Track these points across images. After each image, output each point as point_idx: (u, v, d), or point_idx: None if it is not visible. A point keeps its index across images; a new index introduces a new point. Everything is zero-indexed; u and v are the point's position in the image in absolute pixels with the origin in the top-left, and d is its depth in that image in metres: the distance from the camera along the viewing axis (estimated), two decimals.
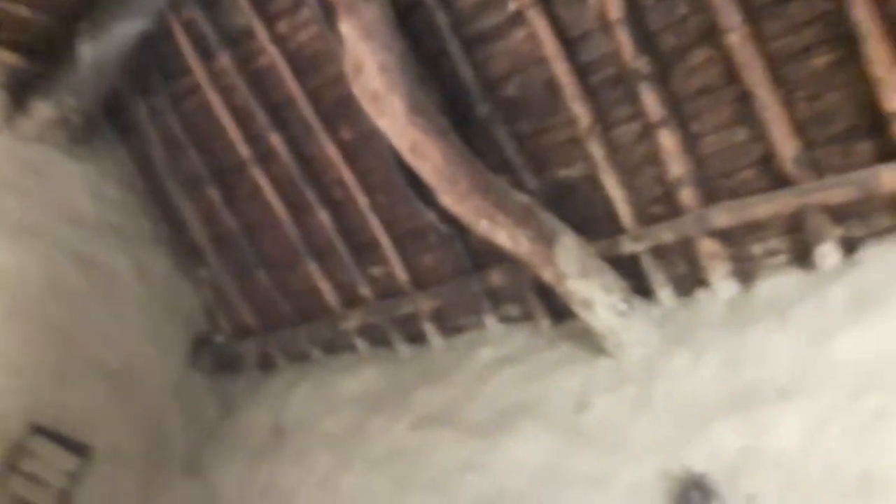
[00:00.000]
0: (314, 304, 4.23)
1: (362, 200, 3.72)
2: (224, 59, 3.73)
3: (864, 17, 2.15)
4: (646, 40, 2.60)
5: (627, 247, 2.94)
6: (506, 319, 3.59)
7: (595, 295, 2.79)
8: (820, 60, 2.35)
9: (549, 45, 2.78)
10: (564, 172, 3.10)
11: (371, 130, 3.28)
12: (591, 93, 2.83)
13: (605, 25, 2.66)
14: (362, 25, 2.41)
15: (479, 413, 3.04)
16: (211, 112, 3.98)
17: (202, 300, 4.73)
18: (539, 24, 2.76)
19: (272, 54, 3.55)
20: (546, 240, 2.80)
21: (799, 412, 2.11)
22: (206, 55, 3.80)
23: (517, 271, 3.27)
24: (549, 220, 2.86)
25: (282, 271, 4.30)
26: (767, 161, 2.58)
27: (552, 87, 2.90)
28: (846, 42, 2.24)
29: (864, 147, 2.39)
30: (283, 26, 3.52)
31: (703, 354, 2.56)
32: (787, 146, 2.48)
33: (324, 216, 3.89)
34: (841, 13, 2.19)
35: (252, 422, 4.05)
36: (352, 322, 4.08)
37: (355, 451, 3.46)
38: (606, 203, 2.98)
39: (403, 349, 3.93)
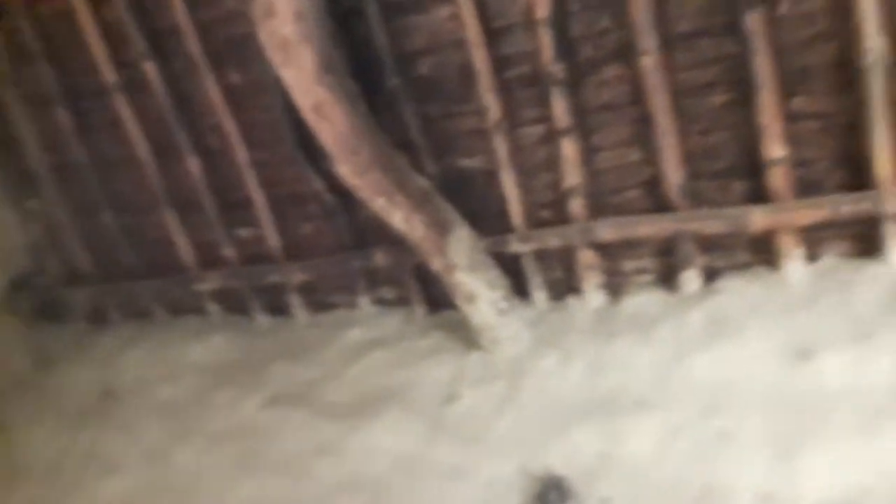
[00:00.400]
0: (166, 257, 3.88)
1: (241, 154, 3.47)
2: None
3: (762, 67, 2.34)
4: (565, 46, 2.65)
5: (514, 246, 3.01)
6: (380, 302, 3.55)
7: (480, 290, 2.81)
8: (717, 99, 2.54)
9: (472, 30, 2.74)
10: (465, 162, 3.09)
11: (264, 80, 3.07)
12: (504, 87, 2.83)
13: (530, 23, 2.67)
14: None
15: (340, 395, 2.96)
16: (74, 23, 3.50)
17: (29, 235, 4.16)
18: (465, 5, 2.71)
19: None
20: (441, 228, 2.77)
21: (653, 423, 2.27)
22: None
23: (400, 254, 3.23)
24: (446, 208, 2.84)
25: (133, 216, 3.91)
26: (654, 184, 2.74)
27: (467, 73, 2.85)
28: (743, 86, 2.43)
29: (741, 187, 2.62)
30: None
31: (571, 359, 2.67)
32: (674, 173, 2.66)
33: (193, 164, 3.59)
34: (743, 59, 2.37)
35: (75, 380, 3.64)
36: (208, 284, 3.81)
37: (194, 424, 3.22)
38: (500, 200, 3.02)
39: (262, 320, 3.74)
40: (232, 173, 3.54)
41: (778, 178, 2.49)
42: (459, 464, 2.42)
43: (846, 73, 2.27)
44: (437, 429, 2.62)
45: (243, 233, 3.72)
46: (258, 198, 3.53)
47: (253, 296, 3.75)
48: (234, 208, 3.64)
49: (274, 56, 2.38)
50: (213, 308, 3.90)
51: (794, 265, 2.59)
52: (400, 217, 2.68)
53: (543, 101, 2.77)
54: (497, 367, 2.79)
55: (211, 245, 3.76)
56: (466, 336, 2.98)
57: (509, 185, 2.97)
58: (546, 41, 2.64)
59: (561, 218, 2.96)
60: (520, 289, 3.08)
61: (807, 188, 2.50)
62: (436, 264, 2.84)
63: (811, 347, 2.26)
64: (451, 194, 2.93)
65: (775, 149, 2.45)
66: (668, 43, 2.48)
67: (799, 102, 2.40)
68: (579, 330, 2.81)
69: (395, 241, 3.14)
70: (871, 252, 2.47)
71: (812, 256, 2.58)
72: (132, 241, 3.95)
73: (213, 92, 3.37)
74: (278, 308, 3.73)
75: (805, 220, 2.47)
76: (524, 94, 2.82)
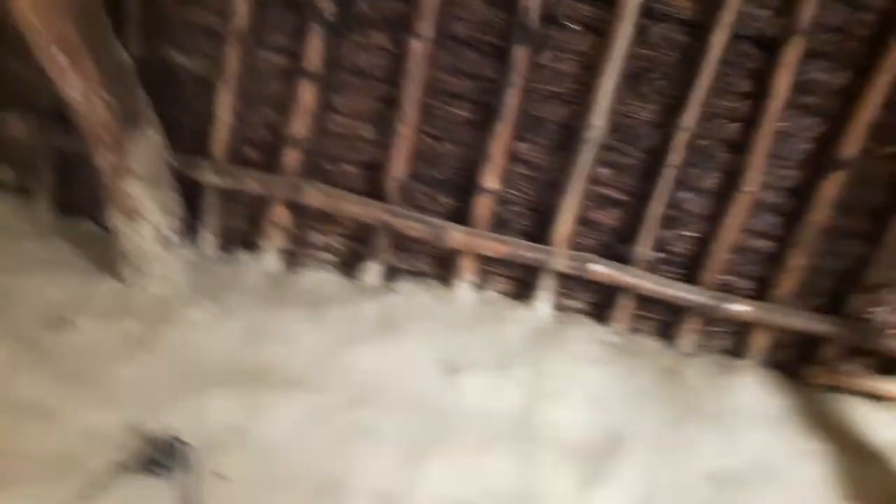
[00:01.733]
0: None
1: None
2: None
3: (510, 101, 2.57)
4: None
5: (206, 176, 2.71)
6: None
7: (147, 209, 2.44)
8: (461, 112, 2.70)
9: None
10: (180, 58, 2.69)
11: None
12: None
13: None
14: None
15: None
16: None
17: None
18: None
19: None
20: (128, 120, 2.33)
21: (298, 405, 2.23)
22: None
23: (37, 127, 2.70)
24: (142, 100, 2.40)
25: None
26: (375, 169, 2.78)
27: None
28: (487, 112, 2.64)
29: (448, 202, 2.83)
30: None
31: (228, 318, 2.49)
32: (397, 166, 2.73)
33: None
34: (498, 87, 2.58)
35: None
36: None
37: None
38: (206, 118, 2.71)
39: None
40: None
41: (482, 207, 2.76)
42: (53, 404, 2.02)
43: (569, 137, 2.63)
44: (33, 356, 2.16)
45: None
46: None
47: None
48: None
49: None
50: None
51: (466, 288, 2.89)
52: (78, 85, 2.16)
53: (298, 34, 2.58)
54: (134, 303, 2.46)
55: None
56: (102, 257, 2.57)
57: (225, 105, 2.68)
58: None
59: (268, 164, 2.78)
60: (191, 224, 2.78)
61: (498, 224, 2.82)
62: (104, 160, 2.36)
63: (460, 365, 2.53)
64: (151, 88, 2.48)
65: (490, 180, 2.71)
66: (441, 38, 2.55)
67: (523, 147, 2.70)
68: (246, 290, 2.66)
69: (36, 110, 2.64)
70: (525, 297, 2.91)
71: (481, 285, 2.92)
72: None
73: None
74: None
75: (489, 251, 2.78)
76: (281, 16, 2.59)
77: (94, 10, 2.16)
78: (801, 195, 2.62)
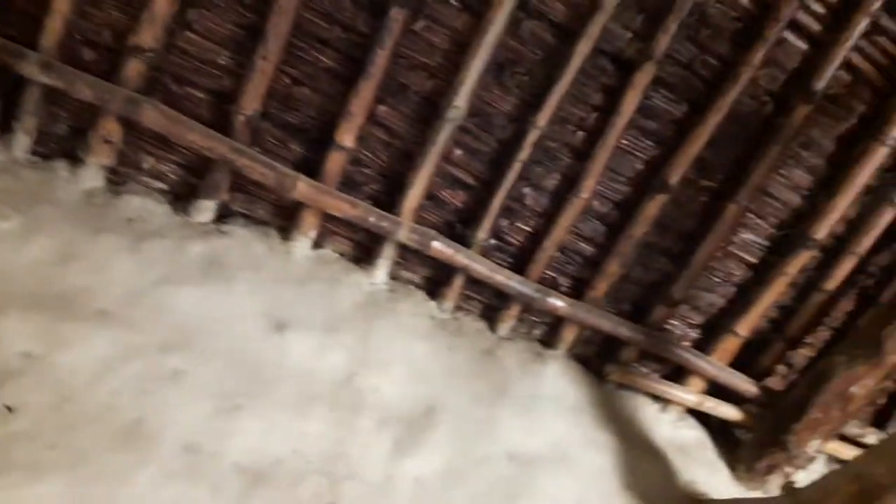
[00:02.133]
0: None
1: None
2: None
3: (377, 61, 2.57)
4: None
5: (29, 69, 2.41)
6: None
7: None
8: (326, 60, 2.63)
9: None
10: None
11: None
12: None
13: None
14: None
15: None
16: None
17: None
18: None
19: None
20: None
21: (105, 339, 2.08)
22: None
23: None
24: None
25: None
26: (224, 99, 2.64)
27: None
28: (353, 66, 2.60)
29: (300, 151, 2.77)
30: None
31: (35, 234, 2.24)
32: (250, 102, 2.62)
33: None
34: (369, 43, 2.56)
35: None
36: None
37: None
38: (41, 4, 2.40)
39: None
40: None
41: (334, 163, 2.74)
42: None
43: (430, 111, 2.69)
44: None
45: None
46: None
47: None
48: None
49: None
50: None
51: (303, 244, 2.86)
52: None
53: None
54: None
55: None
56: None
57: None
58: None
59: (106, 71, 2.53)
60: (4, 122, 2.47)
61: (347, 184, 2.82)
62: None
63: (287, 322, 2.51)
64: None
65: (346, 137, 2.70)
66: None
67: (383, 110, 2.72)
68: (60, 205, 2.42)
69: None
70: (363, 262, 2.95)
71: (319, 243, 2.91)
72: None
73: None
74: None
75: (335, 210, 2.77)
76: None
77: None
78: (626, 209, 2.92)
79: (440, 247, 2.86)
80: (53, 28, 2.41)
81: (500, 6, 2.46)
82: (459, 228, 2.92)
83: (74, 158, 2.61)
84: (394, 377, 2.57)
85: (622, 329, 3.10)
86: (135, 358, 2.12)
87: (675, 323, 3.20)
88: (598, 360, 3.23)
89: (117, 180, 2.68)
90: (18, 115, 2.50)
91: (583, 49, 2.56)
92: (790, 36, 2.66)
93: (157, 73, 2.56)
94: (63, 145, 2.61)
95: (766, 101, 2.76)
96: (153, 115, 2.54)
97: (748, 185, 2.85)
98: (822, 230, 3.01)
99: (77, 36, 2.48)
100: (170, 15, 2.46)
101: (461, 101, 2.62)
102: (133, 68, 2.51)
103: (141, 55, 2.49)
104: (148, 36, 2.47)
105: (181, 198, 2.76)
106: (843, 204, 2.95)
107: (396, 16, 2.49)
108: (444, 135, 2.69)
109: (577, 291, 3.08)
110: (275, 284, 2.65)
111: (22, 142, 2.54)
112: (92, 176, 2.63)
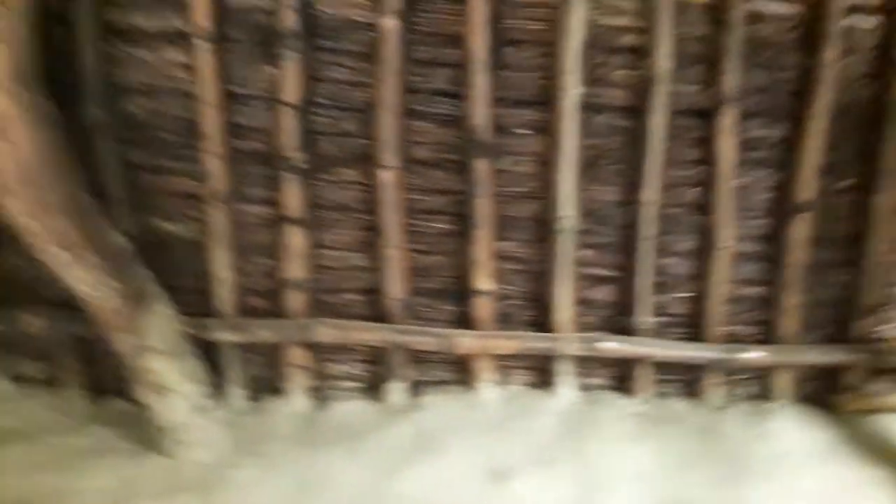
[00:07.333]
0: None
1: None
2: None
3: (482, 208, 3.35)
4: (309, 136, 3.28)
5: (218, 334, 3.51)
6: (21, 379, 3.65)
7: (174, 381, 3.15)
8: (440, 225, 3.46)
9: (208, 87, 3.13)
10: (168, 227, 3.45)
11: None
12: (233, 157, 3.30)
13: (273, 100, 3.21)
14: None
15: None
16: None
17: None
18: (203, 59, 3.10)
19: None
20: (136, 300, 2.98)
21: None
22: None
23: (55, 321, 3.44)
24: (145, 277, 3.10)
25: None
26: (374, 293, 3.55)
27: (191, 129, 3.23)
28: (464, 221, 3.40)
29: (451, 309, 3.60)
30: None
31: (273, 470, 3.13)
32: (394, 286, 3.52)
33: None
34: (469, 196, 3.37)
35: None
36: None
37: None
38: (205, 278, 3.48)
39: None
40: None
41: (482, 308, 3.54)
42: None
43: (544, 229, 3.40)
44: None
45: None
46: None
47: None
48: None
49: None
50: None
51: (488, 388, 3.64)
52: (84, 278, 2.76)
53: (273, 183, 3.34)
54: (183, 476, 3.09)
55: None
56: (143, 435, 3.24)
57: (221, 263, 3.44)
58: (289, 125, 3.22)
59: (275, 310, 3.54)
60: (216, 383, 3.53)
61: (501, 320, 3.57)
62: (121, 343, 3.03)
63: (505, 468, 3.16)
64: (148, 261, 3.18)
65: (483, 282, 3.50)
66: (407, 164, 3.32)
67: (505, 246, 3.46)
68: (282, 437, 3.33)
69: (52, 303, 3.35)
70: (547, 384, 3.63)
71: (502, 382, 3.67)
72: None
73: None
74: None
75: (501, 349, 3.55)
76: (254, 170, 3.35)
77: (83, 201, 2.75)
78: (774, 240, 3.37)
79: (609, 345, 3.48)
80: (223, 294, 3.48)
81: (564, 117, 3.17)
82: (621, 320, 3.54)
83: (279, 390, 3.62)
84: (623, 491, 3.09)
85: (832, 355, 3.45)
86: None
87: (883, 328, 3.49)
88: (823, 396, 3.56)
89: (318, 395, 3.63)
90: (224, 374, 3.59)
91: (658, 120, 3.17)
92: (855, 19, 3.07)
93: (314, 295, 3.53)
94: (267, 383, 3.65)
95: (864, 85, 3.15)
96: (324, 331, 3.49)
97: (884, 170, 3.20)
98: None
99: (242, 291, 3.53)
100: (305, 245, 3.47)
101: (567, 209, 3.32)
102: (294, 299, 3.52)
103: (296, 286, 3.51)
104: (295, 268, 3.48)
105: (374, 387, 3.65)
106: None
107: (481, 166, 3.30)
108: (565, 244, 3.38)
109: (768, 335, 3.51)
110: (479, 437, 3.35)
111: (236, 394, 3.61)
112: (298, 400, 3.61)
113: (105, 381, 3.57)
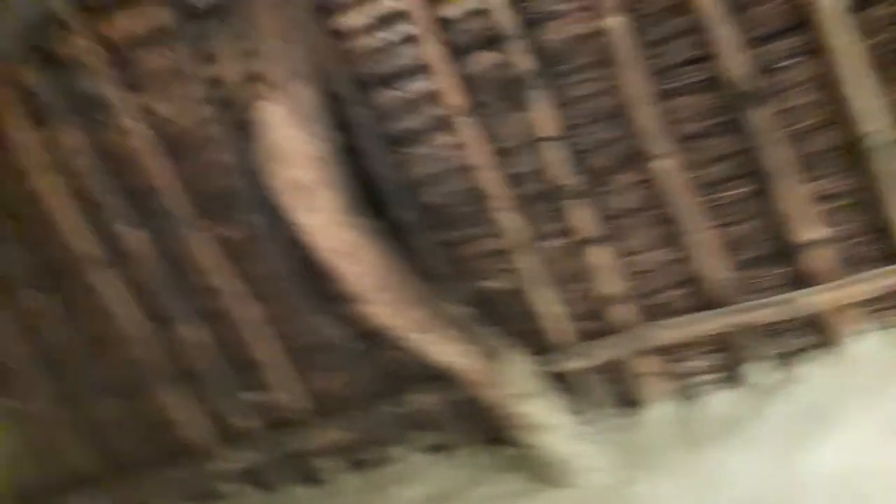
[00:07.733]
0: (176, 440, 4.53)
1: (247, 312, 4.13)
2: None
3: (772, 158, 3.12)
4: (577, 158, 3.39)
5: (566, 365, 3.68)
6: (423, 450, 4.17)
7: (544, 417, 3.41)
8: (738, 190, 3.27)
9: (479, 155, 3.45)
10: (490, 284, 3.76)
11: (255, 230, 3.80)
12: (520, 205, 3.54)
13: (535, 141, 3.40)
14: (295, 109, 2.70)
15: None
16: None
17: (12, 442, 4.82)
18: (467, 133, 3.43)
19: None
20: (487, 356, 3.32)
21: None
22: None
23: (437, 394, 3.89)
24: (488, 334, 3.45)
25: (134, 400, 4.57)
26: (695, 281, 3.43)
27: (479, 196, 3.56)
28: (760, 175, 3.18)
29: (783, 271, 3.35)
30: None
31: (668, 478, 3.18)
32: (713, 268, 3.37)
33: (195, 330, 4.26)
34: (753, 152, 3.15)
35: None
36: (229, 462, 4.43)
37: None
38: (533, 318, 3.70)
39: (299, 492, 4.35)
40: (233, 333, 4.20)
41: (819, 259, 3.23)
42: None
43: (852, 154, 3.05)
44: None
45: (257, 397, 4.39)
46: (272, 356, 4.21)
47: (282, 466, 4.40)
48: (247, 372, 4.31)
49: (292, 203, 2.84)
50: (239, 489, 4.54)
51: (857, 342, 3.29)
52: (441, 351, 3.24)
53: (561, 214, 3.50)
54: (590, 500, 3.31)
55: (226, 417, 4.42)
56: (536, 473, 3.53)
57: (544, 301, 3.65)
58: (554, 157, 3.38)
59: (606, 327, 3.63)
60: (581, 410, 3.69)
61: (849, 264, 3.22)
62: (489, 396, 3.40)
63: None
64: (485, 320, 3.56)
65: (809, 231, 3.19)
66: (679, 145, 3.24)
67: (817, 186, 3.17)
68: (663, 444, 3.38)
69: (430, 380, 3.80)
70: None
71: (870, 330, 3.29)
72: (137, 428, 4.61)
73: (205, 249, 4.05)
74: (311, 475, 4.37)
75: (855, 296, 3.19)
76: (540, 208, 3.55)
77: (421, 290, 3.24)
78: None
79: None
80: (556, 328, 3.67)
81: (832, 25, 2.89)
82: None
83: (640, 403, 3.68)
84: None
85: None
86: None
87: None
88: None
89: (681, 396, 3.62)
90: (583, 398, 3.72)
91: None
92: None
93: (638, 302, 3.56)
94: (626, 398, 3.72)
95: None
96: (663, 333, 3.50)
97: None
98: None
99: (572, 319, 3.68)
100: (610, 259, 3.51)
101: (872, 122, 2.96)
102: (621, 311, 3.57)
103: (618, 299, 3.56)
104: (611, 283, 3.54)
105: (734, 374, 3.54)
106: None
107: (757, 115, 3.10)
108: (884, 160, 2.99)
109: None
110: (871, 395, 3.04)
111: (601, 415, 3.72)
112: (662, 406, 3.64)
113: (489, 432, 3.92)
